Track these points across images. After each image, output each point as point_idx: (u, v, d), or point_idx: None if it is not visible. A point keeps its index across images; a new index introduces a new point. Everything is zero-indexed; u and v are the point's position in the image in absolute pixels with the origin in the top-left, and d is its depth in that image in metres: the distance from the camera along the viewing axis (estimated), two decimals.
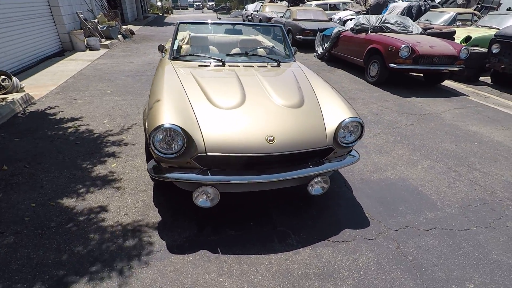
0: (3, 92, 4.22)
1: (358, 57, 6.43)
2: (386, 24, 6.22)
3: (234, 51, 3.50)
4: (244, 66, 2.91)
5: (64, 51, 7.96)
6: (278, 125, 2.03)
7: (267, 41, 4.27)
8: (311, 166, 2.10)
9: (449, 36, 6.71)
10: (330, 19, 11.33)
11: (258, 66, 2.93)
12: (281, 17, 11.49)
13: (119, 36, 10.26)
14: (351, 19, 8.31)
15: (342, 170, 2.99)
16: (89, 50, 8.28)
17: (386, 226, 2.28)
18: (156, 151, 1.87)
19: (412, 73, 6.80)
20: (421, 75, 6.62)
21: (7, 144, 3.22)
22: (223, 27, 4.16)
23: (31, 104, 4.33)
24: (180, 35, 4.14)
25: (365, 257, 2.00)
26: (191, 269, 1.87)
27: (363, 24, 6.41)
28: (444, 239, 2.17)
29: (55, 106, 4.31)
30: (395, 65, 5.36)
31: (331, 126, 2.12)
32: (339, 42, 7.27)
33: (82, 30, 8.22)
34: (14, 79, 4.37)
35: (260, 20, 15.00)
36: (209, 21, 3.93)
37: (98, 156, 3.07)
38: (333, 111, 2.23)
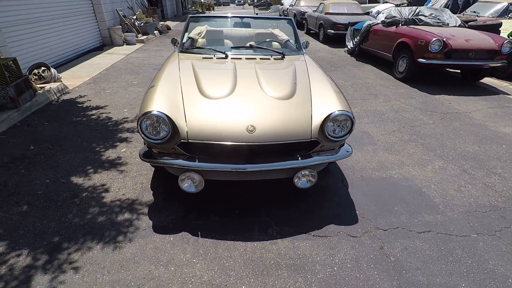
0: (42, 81, 4.71)
1: (387, 52, 6.11)
2: (420, 17, 5.81)
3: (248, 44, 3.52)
4: (247, 58, 2.94)
5: (103, 45, 8.62)
6: (261, 116, 2.05)
7: (283, 35, 4.22)
8: (299, 158, 2.10)
9: (494, 28, 6.08)
10: (368, 13, 10.85)
11: (260, 59, 2.94)
12: (314, 11, 11.24)
13: (155, 31, 10.80)
14: (379, 11, 7.88)
15: (342, 166, 2.91)
16: (126, 44, 8.85)
17: (375, 225, 2.19)
18: (143, 135, 1.99)
19: (448, 69, 6.29)
20: (458, 71, 6.10)
21: (37, 128, 3.62)
22: (238, 20, 4.20)
23: (65, 93, 4.79)
24: (198, 29, 4.28)
25: (343, 254, 1.95)
26: (169, 248, 1.97)
27: (394, 16, 6.06)
28: (435, 244, 2.03)
29: (85, 95, 4.72)
30: (424, 60, 5.01)
31: (317, 119, 2.09)
32: (369, 36, 6.95)
33: (120, 26, 8.80)
34: (52, 70, 4.86)
35: (295, 15, 14.81)
36: (222, 14, 4.00)
37: (112, 141, 3.32)
38: (323, 104, 2.18)
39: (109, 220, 2.19)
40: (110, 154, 3.08)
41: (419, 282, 1.76)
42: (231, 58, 2.91)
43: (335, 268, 1.85)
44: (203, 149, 2.04)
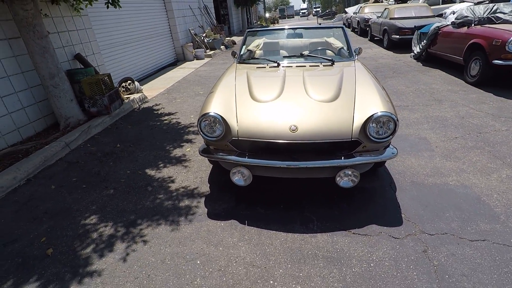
0: (128, 93, 5.63)
1: (457, 55, 5.64)
2: (497, 14, 5.25)
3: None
4: (297, 66, 3.15)
5: (177, 61, 9.75)
6: (304, 117, 2.22)
7: (338, 43, 4.31)
8: (342, 158, 2.20)
9: None
10: (441, 15, 10.06)
11: (310, 66, 3.12)
12: (378, 17, 10.86)
13: (222, 46, 11.75)
14: (454, 12, 7.26)
15: (392, 170, 2.86)
16: (196, 59, 9.85)
17: (420, 229, 2.14)
18: (201, 133, 2.35)
19: None
20: None
21: (123, 130, 4.37)
22: (291, 32, 4.44)
23: (144, 102, 5.63)
24: (256, 42, 4.66)
25: (382, 252, 1.97)
26: (219, 232, 2.26)
27: (466, 16, 5.58)
28: (489, 253, 1.91)
29: (160, 104, 5.47)
30: (501, 62, 4.51)
31: (359, 120, 2.17)
32: (438, 39, 6.49)
33: (191, 43, 9.85)
34: (136, 83, 5.77)
35: (358, 22, 14.48)
36: (279, 27, 4.28)
37: (179, 142, 3.84)
38: (366, 106, 2.25)
39: (173, 205, 2.59)
40: (177, 152, 3.57)
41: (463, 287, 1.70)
42: (283, 67, 3.15)
43: (371, 265, 1.89)
44: (251, 146, 2.30)
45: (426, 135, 3.54)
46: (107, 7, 4.60)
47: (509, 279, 1.73)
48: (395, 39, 8.84)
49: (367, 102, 2.30)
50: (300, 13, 57.74)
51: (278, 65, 3.20)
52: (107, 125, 4.54)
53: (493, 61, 4.62)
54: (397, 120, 2.15)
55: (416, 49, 7.57)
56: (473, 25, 5.40)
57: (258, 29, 4.39)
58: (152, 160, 3.43)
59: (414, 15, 9.35)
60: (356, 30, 15.31)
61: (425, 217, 2.25)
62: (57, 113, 4.28)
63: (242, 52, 3.72)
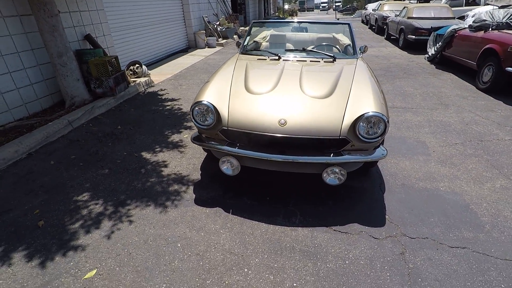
0: (135, 76, 5.70)
1: (471, 59, 5.48)
2: None
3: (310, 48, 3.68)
4: (298, 60, 3.13)
5: (188, 47, 9.77)
6: (294, 111, 2.22)
7: (346, 39, 4.25)
8: (331, 155, 2.21)
9: None
10: (463, 17, 9.72)
11: (310, 61, 3.09)
12: (396, 15, 10.57)
13: (234, 36, 11.69)
14: (473, 15, 7.01)
15: (384, 171, 2.84)
16: (207, 47, 9.85)
17: (402, 231, 2.14)
18: (193, 121, 2.38)
19: None
20: None
21: (126, 112, 4.45)
22: (296, 25, 4.39)
23: (150, 86, 5.70)
24: (264, 34, 4.63)
25: (359, 251, 1.99)
26: (203, 218, 2.31)
27: (484, 20, 5.39)
28: (467, 261, 1.90)
29: (165, 89, 5.53)
30: None
31: (349, 118, 2.16)
32: (453, 42, 6.30)
33: (204, 31, 9.84)
34: (144, 67, 5.83)
35: (376, 20, 14.14)
36: (289, 20, 4.23)
37: (178, 128, 3.89)
38: (359, 105, 2.24)
39: (162, 189, 2.66)
40: (175, 138, 3.62)
41: None
42: (283, 60, 3.14)
43: (346, 262, 1.91)
44: (240, 137, 2.32)
45: (425, 139, 3.49)
46: None
47: None
48: (411, 39, 8.61)
49: (360, 101, 2.28)
50: (320, 7, 56.57)
51: (279, 58, 3.19)
52: (111, 107, 4.63)
53: (506, 68, 4.47)
54: (388, 121, 2.12)
55: (431, 51, 7.37)
56: (490, 29, 5.22)
57: (264, 20, 4.35)
58: (150, 143, 3.49)
59: (433, 16, 9.07)
60: (373, 27, 14.96)
61: (408, 220, 2.25)
62: (63, 92, 4.38)
63: (245, 43, 3.71)
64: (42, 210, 2.42)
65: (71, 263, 1.92)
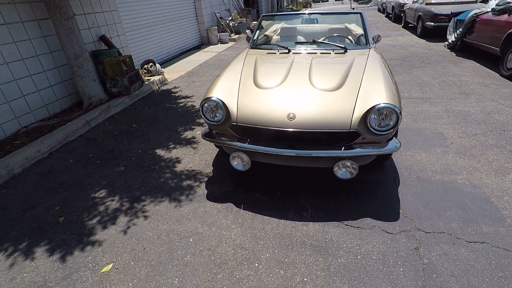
0: (149, 75, 5.80)
1: (494, 45, 5.20)
2: None
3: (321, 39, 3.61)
4: (308, 53, 3.08)
5: (201, 44, 9.82)
6: (303, 105, 2.20)
7: (359, 29, 4.14)
8: (342, 149, 2.17)
9: None
10: (485, 0, 9.21)
11: (321, 53, 3.04)
12: (414, 2, 10.16)
13: (247, 31, 11.63)
14: None
15: (399, 164, 2.77)
16: (220, 43, 9.87)
17: (416, 226, 2.08)
18: (203, 117, 2.40)
19: None
20: None
21: (140, 110, 4.55)
22: (307, 17, 4.31)
23: (164, 84, 5.79)
24: (274, 27, 4.59)
25: (371, 246, 1.96)
26: (215, 213, 2.34)
27: (508, 2, 5.08)
28: (486, 256, 1.82)
29: (179, 87, 5.60)
30: None
31: (360, 111, 2.11)
32: (475, 27, 5.99)
33: (216, 27, 9.85)
34: (158, 65, 5.92)
35: (393, 7, 13.64)
36: (298, 12, 4.16)
37: (191, 125, 3.94)
38: (370, 97, 2.18)
39: (176, 185, 2.71)
40: (188, 134, 3.67)
41: None
42: (293, 53, 3.10)
43: (358, 257, 1.88)
44: (250, 132, 2.32)
45: (443, 130, 3.36)
46: None
47: (501, 285, 1.65)
48: (430, 26, 8.26)
49: (371, 93, 2.22)
50: None
51: (289, 51, 3.15)
52: (126, 105, 4.74)
53: None
54: (400, 113, 2.06)
55: (451, 37, 7.05)
56: None
57: (273, 13, 4.30)
58: (164, 141, 3.56)
59: (453, 0, 8.64)
60: (390, 15, 14.46)
61: (424, 215, 2.18)
62: (81, 92, 4.53)
63: (255, 37, 3.68)
64: (62, 207, 2.53)
65: (89, 258, 2.00)
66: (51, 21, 4.11)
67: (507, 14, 5.03)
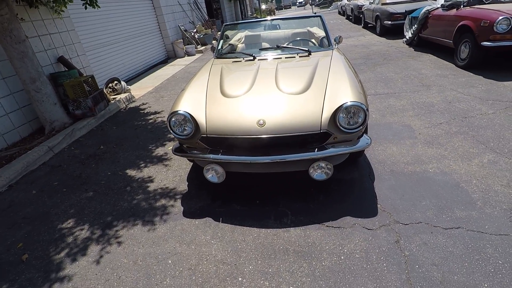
0: (115, 93, 5.60)
1: (447, 38, 5.52)
2: None
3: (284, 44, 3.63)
4: (273, 58, 3.09)
5: (168, 58, 9.67)
6: (272, 111, 2.18)
7: (321, 32, 4.23)
8: (316, 150, 2.16)
9: None
10: None
11: (285, 58, 3.06)
12: (371, 3, 10.65)
13: (213, 41, 11.63)
14: None
15: (372, 160, 2.82)
16: (187, 56, 9.77)
17: (395, 219, 2.11)
18: (171, 131, 2.32)
19: None
20: None
21: (108, 131, 4.35)
22: (269, 23, 4.37)
23: (131, 102, 5.61)
24: (238, 35, 4.59)
25: (353, 245, 1.95)
26: (193, 230, 2.25)
27: None
28: (462, 241, 1.87)
29: (147, 103, 5.45)
30: (490, 43, 4.40)
31: (328, 111, 2.12)
32: (428, 23, 6.35)
33: (182, 40, 9.77)
34: (123, 83, 5.74)
35: (352, 9, 14.24)
36: (256, 19, 4.20)
37: (162, 141, 3.81)
38: (336, 97, 2.20)
39: (150, 205, 2.58)
40: (159, 151, 3.55)
41: (432, 277, 1.67)
42: (258, 60, 3.10)
43: (341, 258, 1.87)
44: (221, 142, 2.26)
45: (410, 122, 3.48)
46: (85, 8, 4.54)
47: (479, 267, 1.69)
48: (388, 25, 8.68)
49: (337, 93, 2.24)
50: (297, 3, 56.86)
51: (254, 58, 3.14)
52: (92, 127, 4.52)
53: (481, 43, 4.51)
54: (367, 110, 2.09)
55: (408, 34, 7.43)
56: (462, 6, 5.27)
57: (235, 22, 4.31)
58: (134, 160, 3.41)
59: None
60: (350, 17, 15.07)
61: (400, 207, 2.22)
62: (41, 118, 4.27)
63: (219, 47, 3.66)
64: (26, 243, 2.33)
65: None
66: (1, 45, 3.86)
67: (455, 9, 5.37)
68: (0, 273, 2.06)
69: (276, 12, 40.37)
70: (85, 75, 5.17)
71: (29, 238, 2.38)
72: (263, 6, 39.52)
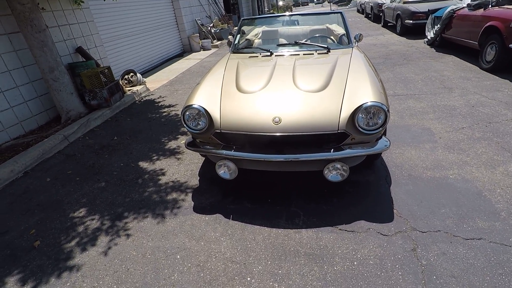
0: (130, 85, 5.64)
1: (472, 39, 5.29)
2: None
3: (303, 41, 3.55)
4: (291, 55, 3.02)
5: (184, 52, 9.69)
6: (289, 108, 2.11)
7: (340, 29, 4.12)
8: (332, 151, 2.09)
9: None
10: None
11: (303, 54, 2.98)
12: (392, 1, 10.35)
13: (229, 36, 11.59)
14: None
15: (389, 163, 2.72)
16: (203, 50, 9.77)
17: (412, 226, 2.02)
18: (185, 125, 2.29)
19: None
20: None
21: (122, 122, 4.38)
22: (287, 19, 4.28)
23: (146, 94, 5.64)
24: (255, 31, 4.53)
25: (367, 250, 1.87)
26: (203, 226, 2.22)
27: None
28: (484, 253, 1.77)
29: (161, 96, 5.46)
30: None
31: (347, 111, 2.04)
32: (452, 23, 6.11)
33: (198, 34, 9.76)
34: (138, 75, 5.77)
35: (372, 8, 13.90)
36: (276, 14, 4.12)
37: (175, 134, 3.81)
38: (356, 96, 2.12)
39: (160, 198, 2.57)
40: (172, 144, 3.54)
41: None
42: (275, 56, 3.03)
43: (355, 263, 1.80)
44: (235, 139, 2.22)
45: (430, 125, 3.34)
46: None
47: (502, 281, 1.60)
48: (409, 24, 8.42)
49: (357, 92, 2.16)
50: (315, 0, 56.09)
51: (271, 54, 3.08)
52: (107, 118, 4.57)
53: (510, 45, 4.29)
54: (388, 111, 2.00)
55: (430, 34, 7.18)
56: (490, 6, 5.03)
57: (253, 17, 4.24)
58: (147, 152, 3.41)
59: None
60: (370, 16, 14.73)
61: (418, 213, 2.12)
62: (58, 107, 4.34)
63: (236, 42, 3.61)
64: (38, 230, 2.36)
65: (67, 284, 1.85)
66: (22, 35, 3.92)
67: (482, 9, 5.14)
68: (13, 258, 2.09)
69: (293, 9, 39.95)
70: (102, 66, 5.22)
71: (41, 225, 2.41)
72: (280, 3, 39.13)
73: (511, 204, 2.11)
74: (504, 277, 1.62)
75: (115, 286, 1.81)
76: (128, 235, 2.20)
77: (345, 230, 2.05)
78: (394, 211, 2.17)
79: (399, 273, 1.71)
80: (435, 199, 2.24)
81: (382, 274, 1.72)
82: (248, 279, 1.77)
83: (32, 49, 3.96)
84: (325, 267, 1.79)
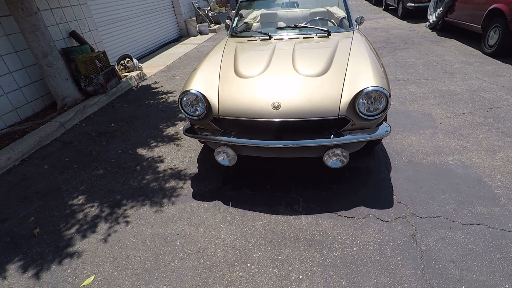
0: (127, 71, 5.53)
1: (475, 23, 5.18)
2: None
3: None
4: (290, 38, 2.94)
5: (181, 36, 9.48)
6: (288, 93, 2.07)
7: (341, 12, 4.01)
8: (332, 137, 2.06)
9: None
10: None
11: (303, 38, 2.90)
12: None
13: (227, 20, 11.31)
14: None
15: (389, 149, 2.70)
16: (200, 34, 9.56)
17: (411, 212, 2.02)
18: (183, 111, 2.24)
19: None
20: None
21: (118, 109, 4.32)
22: (286, 1, 4.15)
23: (143, 80, 5.54)
24: (254, 14, 4.40)
25: (367, 236, 1.88)
26: (202, 213, 2.22)
27: None
28: (483, 238, 1.78)
29: (159, 82, 5.37)
30: None
31: (347, 96, 2.00)
32: (455, 6, 5.97)
33: (195, 18, 9.52)
34: (135, 60, 5.65)
35: None
36: None
37: (173, 120, 3.76)
38: (357, 81, 2.07)
39: (159, 186, 2.56)
40: (170, 131, 3.50)
41: (449, 275, 1.60)
42: (274, 39, 2.95)
43: (354, 249, 1.81)
44: (233, 125, 2.18)
45: (431, 111, 3.31)
46: None
47: (500, 266, 1.61)
48: (410, 7, 8.22)
49: (358, 76, 2.11)
50: None
51: (270, 37, 3.00)
52: (103, 104, 4.50)
53: None
54: (390, 96, 1.96)
55: (432, 17, 7.03)
56: None
57: None
58: (144, 139, 3.38)
59: None
60: None
61: (418, 199, 2.12)
62: (53, 93, 4.26)
63: (234, 25, 3.51)
64: (38, 217, 2.35)
65: (68, 271, 1.85)
66: (13, 18, 3.80)
67: None
68: (13, 246, 2.09)
69: None
70: (97, 51, 5.09)
71: (40, 212, 2.40)
72: None
73: (510, 190, 2.11)
74: (502, 262, 1.63)
75: (115, 273, 1.81)
76: (127, 222, 2.19)
77: (345, 216, 2.05)
78: (394, 197, 2.17)
79: (398, 258, 1.72)
80: (435, 185, 2.24)
81: (382, 259, 1.73)
82: (248, 265, 1.78)
83: (24, 33, 3.84)
84: (325, 252, 1.80)
